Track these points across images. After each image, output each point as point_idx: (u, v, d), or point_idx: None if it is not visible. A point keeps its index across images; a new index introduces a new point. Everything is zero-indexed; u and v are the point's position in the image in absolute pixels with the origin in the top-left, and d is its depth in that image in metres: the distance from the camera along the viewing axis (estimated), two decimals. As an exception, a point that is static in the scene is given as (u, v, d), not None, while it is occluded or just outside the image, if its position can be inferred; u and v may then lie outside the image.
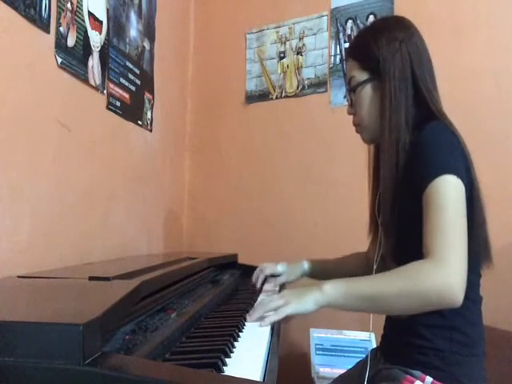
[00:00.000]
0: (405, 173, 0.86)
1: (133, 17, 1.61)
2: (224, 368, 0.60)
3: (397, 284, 0.77)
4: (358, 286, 0.80)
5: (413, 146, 0.85)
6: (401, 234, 0.87)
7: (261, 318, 0.84)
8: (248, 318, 0.86)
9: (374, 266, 0.98)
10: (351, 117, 1.00)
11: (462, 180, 0.79)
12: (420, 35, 0.93)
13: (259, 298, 0.89)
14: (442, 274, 0.73)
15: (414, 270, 0.77)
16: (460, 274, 0.73)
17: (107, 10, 1.41)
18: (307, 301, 0.80)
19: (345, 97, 1.02)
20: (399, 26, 0.93)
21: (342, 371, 1.16)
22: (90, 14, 1.30)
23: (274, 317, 0.80)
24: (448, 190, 0.77)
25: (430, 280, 0.74)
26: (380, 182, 0.94)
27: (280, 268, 1.20)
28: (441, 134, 0.83)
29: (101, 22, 1.36)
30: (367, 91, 0.94)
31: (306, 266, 1.22)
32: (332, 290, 0.79)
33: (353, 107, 0.98)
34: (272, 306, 0.83)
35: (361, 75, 0.94)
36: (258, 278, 1.21)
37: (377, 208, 1.00)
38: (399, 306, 0.78)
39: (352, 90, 0.96)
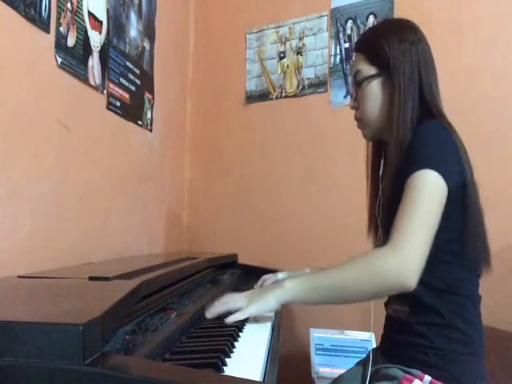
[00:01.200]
0: (402, 170, 0.86)
1: (133, 17, 1.61)
2: (224, 368, 0.60)
3: (353, 269, 0.80)
4: (316, 278, 0.84)
5: (409, 143, 0.86)
6: None
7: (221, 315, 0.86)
8: (207, 314, 0.87)
9: None
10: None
11: (445, 177, 0.79)
12: (426, 41, 0.94)
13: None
14: (396, 259, 0.75)
15: (370, 255, 0.80)
16: (414, 260, 0.75)
17: (107, 10, 1.41)
18: (268, 299, 0.83)
19: (345, 96, 1.02)
20: (409, 29, 0.94)
21: (342, 371, 1.16)
22: (90, 13, 1.30)
23: (238, 315, 0.82)
24: (425, 185, 0.78)
25: (383, 264, 0.76)
26: (383, 180, 0.94)
27: (281, 276, 1.20)
28: (435, 131, 0.84)
29: (101, 22, 1.36)
30: (373, 86, 0.93)
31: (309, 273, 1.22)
32: (292, 285, 0.83)
33: (356, 101, 0.98)
34: (234, 305, 0.85)
35: (368, 70, 0.94)
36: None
37: (377, 207, 1.00)
38: (356, 291, 0.81)
39: (358, 83, 0.96)
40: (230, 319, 0.82)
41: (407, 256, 0.75)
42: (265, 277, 1.22)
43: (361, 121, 0.98)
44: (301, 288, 0.83)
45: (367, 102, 0.95)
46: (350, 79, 1.49)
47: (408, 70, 0.89)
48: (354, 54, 0.99)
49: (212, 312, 0.87)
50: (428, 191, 0.78)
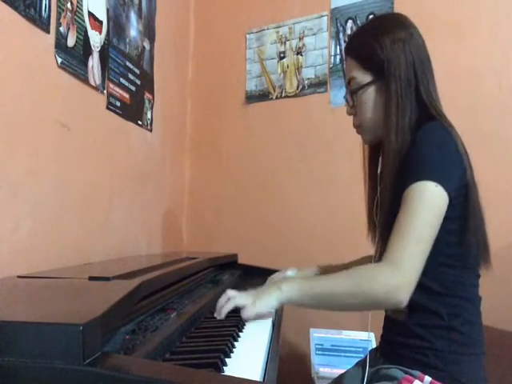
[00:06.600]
0: (401, 174, 0.85)
1: (133, 17, 1.61)
2: (224, 368, 0.60)
3: (347, 284, 0.81)
4: (311, 284, 0.85)
5: (409, 147, 0.85)
6: None
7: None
8: (217, 315, 0.89)
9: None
10: (351, 117, 0.99)
11: (444, 185, 0.78)
12: (418, 32, 0.91)
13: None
14: (391, 279, 0.76)
15: (365, 271, 0.81)
16: (408, 280, 0.76)
17: (107, 9, 1.41)
18: (270, 298, 0.86)
19: (345, 97, 1.01)
20: (399, 25, 0.91)
21: (342, 371, 1.16)
22: (90, 13, 1.30)
23: (247, 314, 0.85)
24: (423, 197, 0.77)
25: (378, 283, 0.77)
26: (380, 183, 0.93)
27: (290, 273, 1.21)
28: (434, 135, 0.82)
29: (101, 22, 1.36)
30: (370, 94, 0.91)
31: (316, 271, 1.23)
32: (288, 288, 0.85)
33: (353, 108, 0.96)
34: (240, 302, 0.87)
35: (363, 77, 0.91)
36: None
37: (375, 208, 1.00)
38: (348, 304, 0.82)
39: (353, 92, 0.93)
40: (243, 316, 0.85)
41: (402, 275, 0.75)
42: (275, 274, 1.24)
43: (360, 127, 0.97)
44: (296, 292, 0.84)
45: (365, 109, 0.93)
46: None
47: (404, 72, 0.87)
48: (346, 58, 0.96)
49: (221, 312, 0.88)
50: (426, 203, 0.77)
